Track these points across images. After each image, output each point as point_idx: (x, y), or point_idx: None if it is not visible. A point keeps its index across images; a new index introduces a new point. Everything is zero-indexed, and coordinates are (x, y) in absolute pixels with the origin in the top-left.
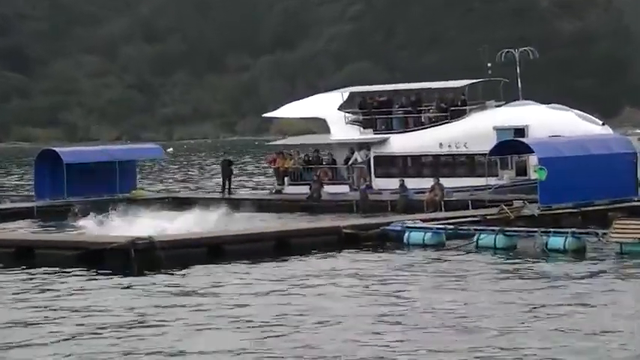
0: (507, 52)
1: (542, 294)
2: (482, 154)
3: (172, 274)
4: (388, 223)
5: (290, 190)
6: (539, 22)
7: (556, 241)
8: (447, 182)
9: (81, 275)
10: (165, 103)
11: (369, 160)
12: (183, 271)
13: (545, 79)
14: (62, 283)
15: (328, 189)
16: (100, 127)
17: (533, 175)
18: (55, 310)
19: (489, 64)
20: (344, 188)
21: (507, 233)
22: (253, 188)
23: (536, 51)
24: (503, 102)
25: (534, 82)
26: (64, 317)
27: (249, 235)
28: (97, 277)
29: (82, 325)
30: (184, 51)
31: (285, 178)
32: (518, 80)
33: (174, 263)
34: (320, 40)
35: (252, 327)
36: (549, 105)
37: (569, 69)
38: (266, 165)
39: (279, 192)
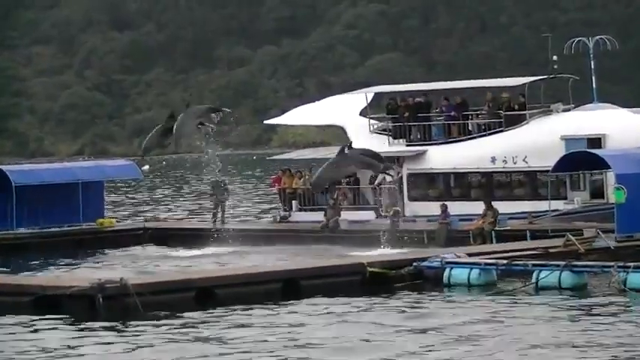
0: (578, 41)
1: (623, 344)
2: (545, 171)
3: (147, 326)
4: (424, 259)
5: (299, 217)
6: (618, 3)
7: (637, 279)
8: (502, 207)
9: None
10: (139, 107)
11: (400, 178)
12: (163, 322)
13: (627, 76)
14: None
15: (348, 216)
16: (57, 139)
17: (612, 198)
18: None
19: (555, 57)
20: (369, 215)
21: (575, 269)
22: (254, 216)
23: (615, 40)
24: (573, 105)
25: (613, 79)
26: None
27: (248, 275)
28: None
29: None
30: (162, 41)
31: (293, 202)
32: (593, 77)
33: (154, 311)
34: (336, 26)
35: None
36: (633, 109)
37: None
38: (269, 185)
39: (284, 220)
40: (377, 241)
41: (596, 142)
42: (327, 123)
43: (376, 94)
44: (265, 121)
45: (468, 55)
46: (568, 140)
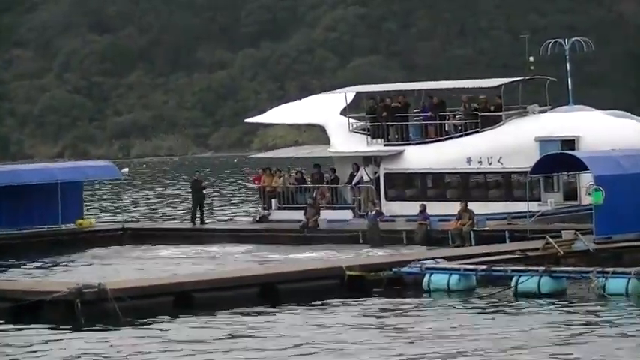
0: (554, 43)
1: (600, 349)
2: (521, 172)
3: (126, 331)
4: (404, 263)
5: (278, 216)
6: (596, 7)
7: (616, 284)
8: (478, 207)
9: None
10: (119, 110)
11: (378, 178)
12: (142, 327)
13: (603, 79)
14: None
15: (327, 215)
16: (37, 142)
17: (585, 199)
18: None
19: (531, 59)
20: (347, 214)
21: (554, 274)
22: (232, 216)
23: (592, 42)
24: (549, 106)
25: (589, 81)
26: None
27: (225, 279)
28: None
29: None
30: (142, 44)
31: (273, 201)
32: (568, 79)
33: (132, 316)
34: (316, 29)
35: None
36: (607, 111)
37: (633, 65)
38: (248, 184)
39: (264, 219)
40: (356, 241)
41: (570, 143)
42: (307, 122)
43: (357, 93)
44: (246, 120)
45: (448, 59)
46: (542, 141)
